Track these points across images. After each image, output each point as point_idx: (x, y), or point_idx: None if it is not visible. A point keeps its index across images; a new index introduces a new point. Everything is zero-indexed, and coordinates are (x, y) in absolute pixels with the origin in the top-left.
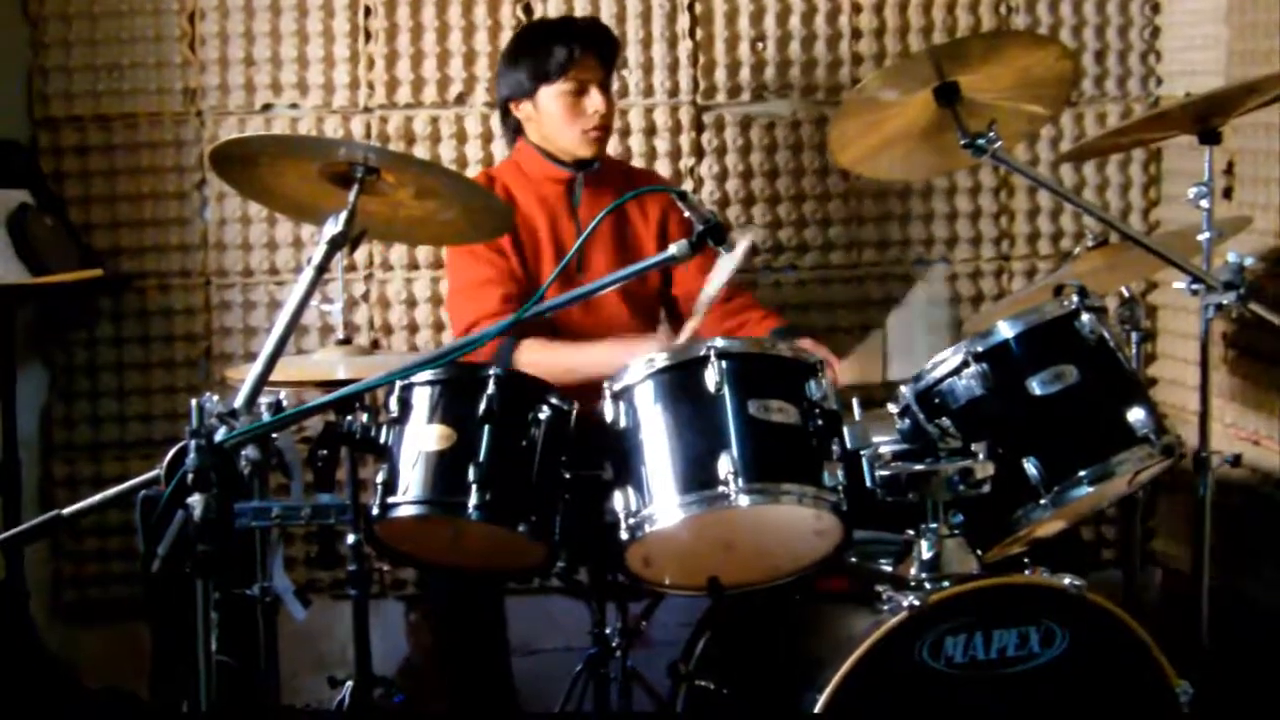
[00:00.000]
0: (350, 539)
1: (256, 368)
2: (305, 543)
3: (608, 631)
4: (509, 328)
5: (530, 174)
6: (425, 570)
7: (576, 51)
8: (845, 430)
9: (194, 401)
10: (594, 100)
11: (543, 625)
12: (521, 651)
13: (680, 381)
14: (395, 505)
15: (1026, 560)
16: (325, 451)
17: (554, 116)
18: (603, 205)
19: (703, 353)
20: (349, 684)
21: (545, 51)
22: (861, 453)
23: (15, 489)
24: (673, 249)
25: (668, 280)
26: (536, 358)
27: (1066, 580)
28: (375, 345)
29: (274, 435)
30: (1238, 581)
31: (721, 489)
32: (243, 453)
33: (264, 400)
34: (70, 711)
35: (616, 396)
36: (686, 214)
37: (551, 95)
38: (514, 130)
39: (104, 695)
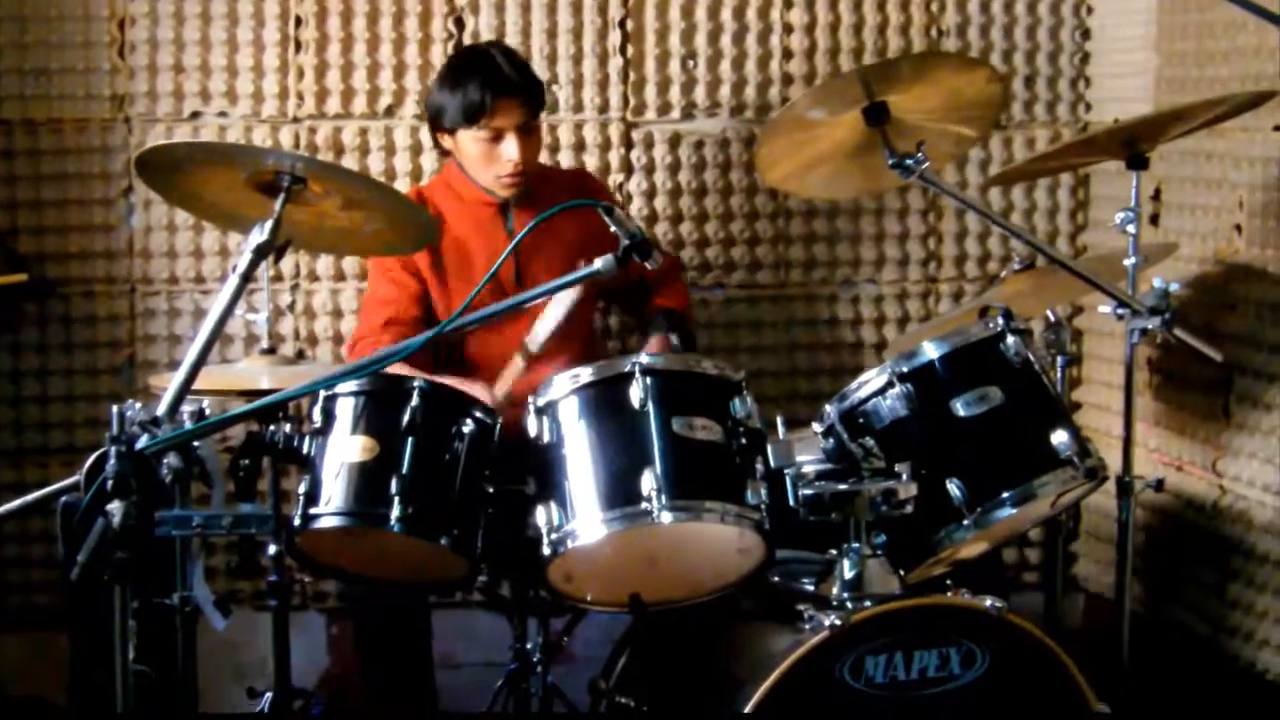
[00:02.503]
0: (271, 549)
1: (180, 375)
2: (226, 553)
3: (529, 647)
4: (424, 344)
5: (462, 196)
6: (347, 581)
7: (491, 99)
8: (769, 449)
9: (115, 408)
10: (509, 148)
11: (464, 639)
12: (443, 665)
13: (605, 397)
14: (317, 516)
15: (948, 581)
16: (247, 461)
17: (471, 158)
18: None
19: (628, 369)
20: (268, 695)
21: (467, 94)
22: (785, 471)
23: None
24: (598, 263)
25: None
26: None
27: (988, 602)
28: (300, 356)
29: (196, 444)
30: (1160, 606)
31: (644, 506)
32: (164, 461)
33: (187, 408)
34: None
35: (541, 411)
36: (613, 229)
37: (469, 138)
38: (444, 150)
39: (22, 703)
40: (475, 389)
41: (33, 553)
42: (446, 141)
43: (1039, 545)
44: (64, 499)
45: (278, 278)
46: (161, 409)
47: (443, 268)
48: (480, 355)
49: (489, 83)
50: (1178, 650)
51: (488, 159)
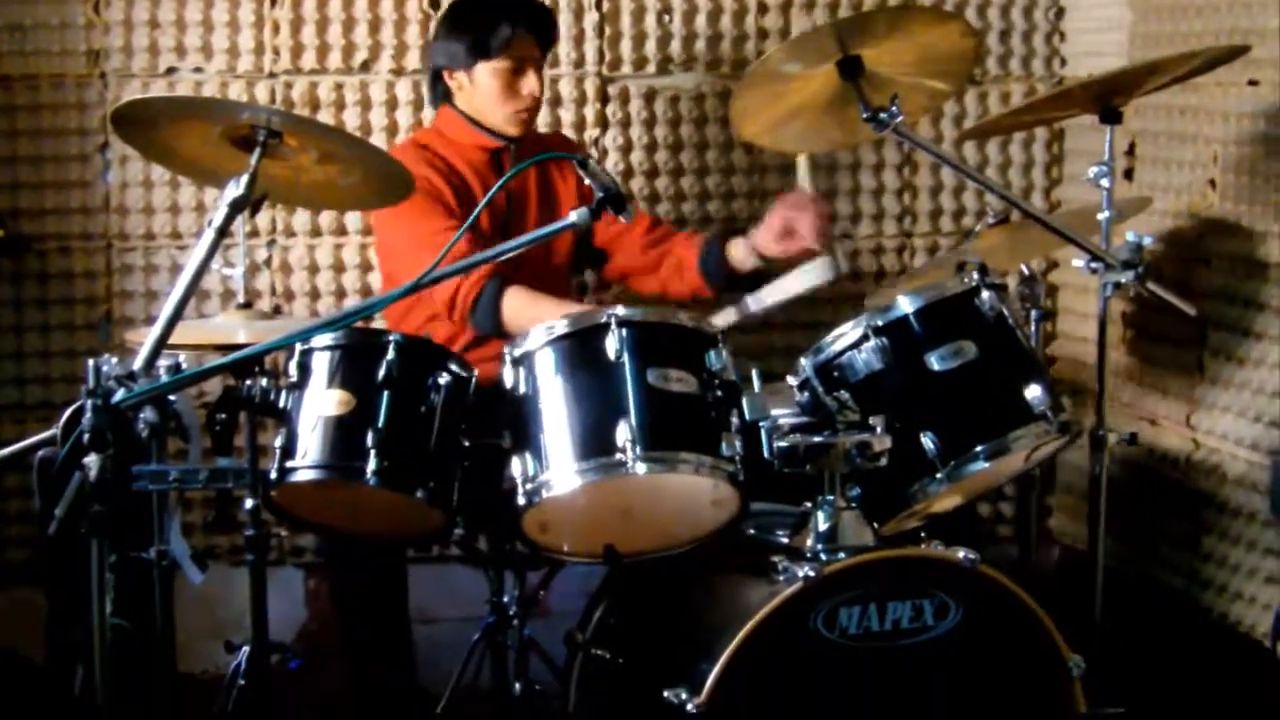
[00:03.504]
0: (248, 504)
1: (155, 330)
2: (203, 508)
3: (505, 600)
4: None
5: (457, 141)
6: (323, 535)
7: (520, 30)
8: (744, 401)
9: (91, 362)
10: (529, 82)
11: (441, 594)
12: (419, 620)
13: (580, 349)
14: (293, 469)
15: (922, 534)
16: (224, 415)
17: (488, 93)
18: (527, 175)
19: (603, 320)
20: (245, 649)
21: (488, 27)
22: (760, 424)
23: None
24: (572, 216)
25: (584, 242)
26: (520, 304)
27: (961, 554)
28: (277, 311)
29: (172, 398)
30: (1134, 560)
31: (619, 456)
32: (140, 415)
33: (163, 363)
34: None
35: (516, 363)
36: (587, 181)
37: (488, 71)
38: (442, 96)
39: None
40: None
41: (9, 508)
42: (456, 79)
43: (1013, 499)
44: (40, 453)
45: (254, 233)
46: (138, 363)
47: (461, 203)
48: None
49: (512, 14)
50: (1151, 604)
51: (507, 92)
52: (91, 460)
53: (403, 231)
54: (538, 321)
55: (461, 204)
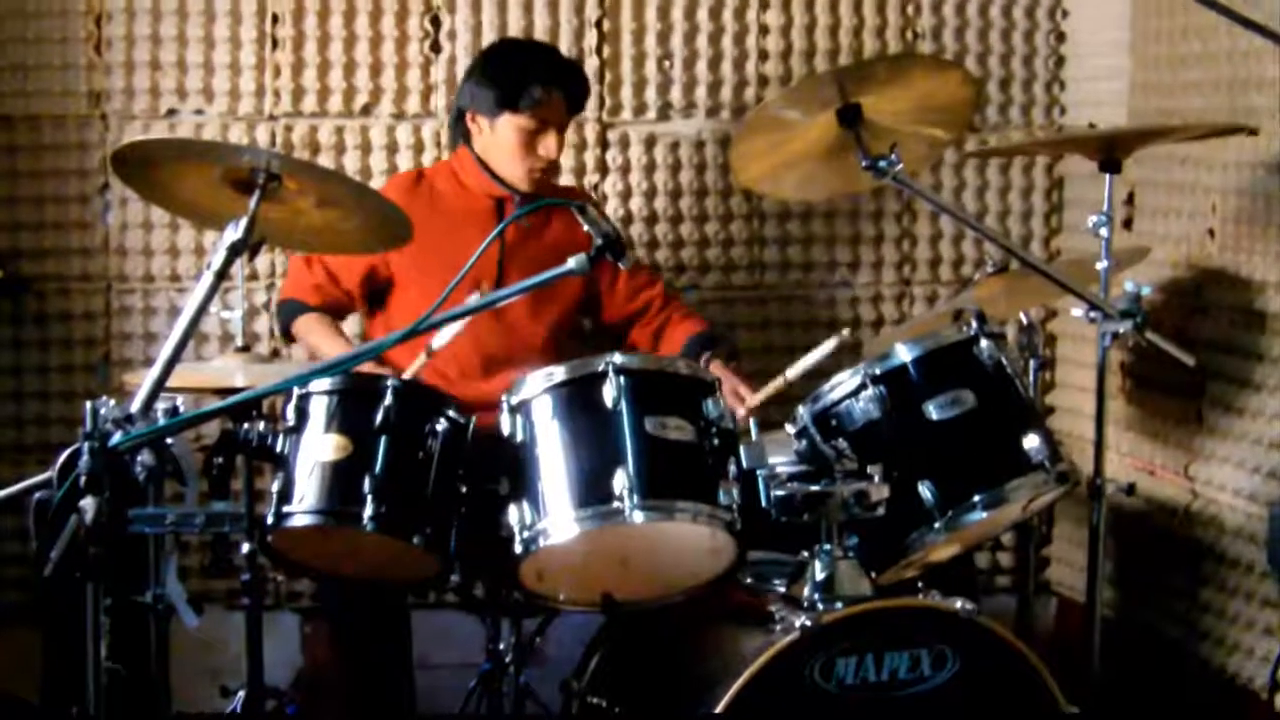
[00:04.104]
0: (245, 548)
1: (153, 372)
2: (200, 552)
3: (501, 647)
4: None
5: (466, 184)
6: (320, 579)
7: (553, 92)
8: (741, 450)
9: (89, 404)
10: (549, 143)
11: (438, 640)
12: (417, 665)
13: (578, 396)
14: (290, 514)
15: (920, 584)
16: (221, 459)
17: (506, 145)
18: (530, 228)
19: (601, 368)
20: (241, 694)
21: (521, 82)
22: (757, 472)
23: None
24: (571, 263)
25: (591, 307)
26: (303, 331)
27: (959, 604)
28: (275, 354)
29: (170, 441)
30: (1132, 610)
31: (616, 505)
32: (138, 458)
33: (161, 406)
34: None
35: (514, 410)
36: (586, 228)
37: (511, 125)
38: (460, 137)
39: None
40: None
41: (5, 550)
42: (478, 124)
43: (1011, 549)
44: (37, 495)
45: (253, 276)
46: (135, 406)
47: (426, 256)
48: (446, 356)
49: (547, 74)
50: (1149, 655)
51: (525, 149)
52: (88, 503)
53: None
54: (313, 349)
55: (438, 249)
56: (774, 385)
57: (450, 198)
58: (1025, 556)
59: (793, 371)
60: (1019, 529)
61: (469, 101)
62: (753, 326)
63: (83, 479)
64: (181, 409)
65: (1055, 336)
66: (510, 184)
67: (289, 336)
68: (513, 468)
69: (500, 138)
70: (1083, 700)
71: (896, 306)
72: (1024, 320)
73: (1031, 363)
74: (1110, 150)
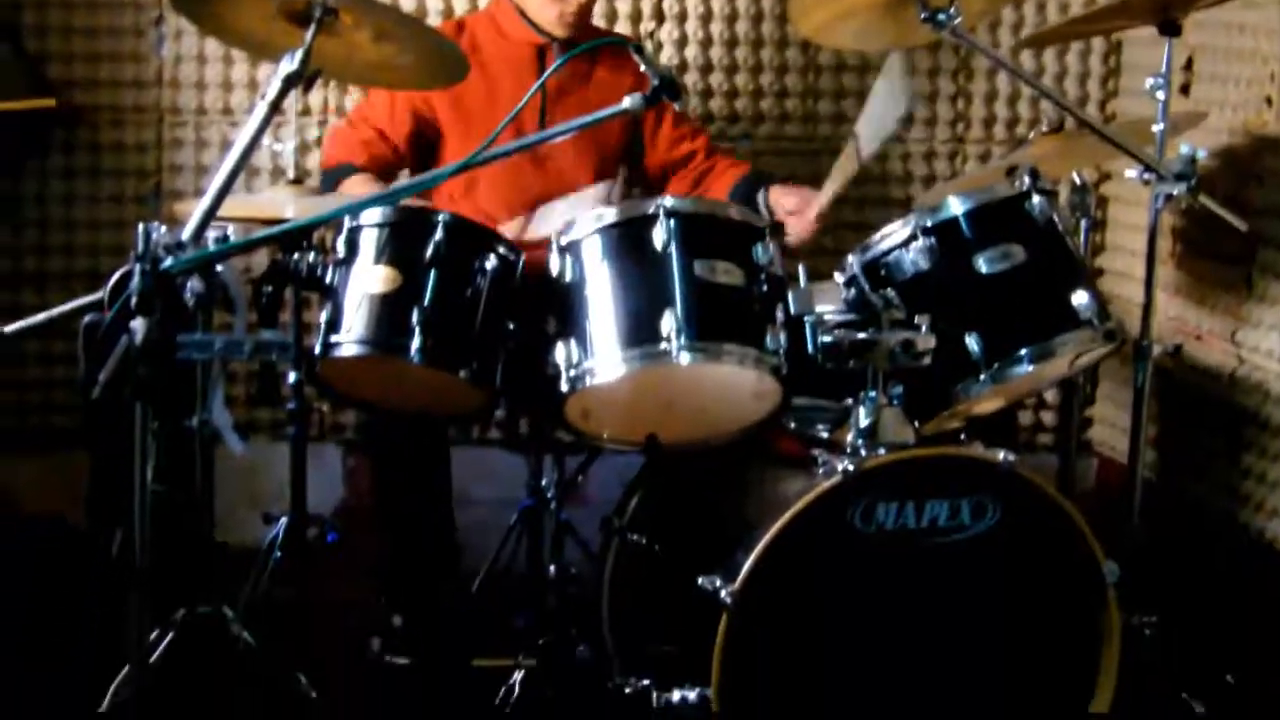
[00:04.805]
0: (291, 378)
1: (205, 201)
2: (246, 383)
3: (543, 484)
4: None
5: (506, 32)
6: (365, 410)
7: None
8: (790, 295)
9: (141, 226)
10: None
11: (480, 477)
12: (459, 501)
13: (627, 238)
14: (338, 345)
15: (963, 436)
16: (270, 288)
17: None
18: (572, 75)
19: (651, 210)
20: (283, 520)
21: None
22: (805, 319)
23: None
24: (626, 102)
25: (635, 149)
26: (352, 190)
27: (1001, 455)
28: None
29: (219, 268)
30: (1173, 474)
31: (663, 345)
32: (188, 284)
33: (211, 234)
34: (5, 533)
35: (563, 250)
36: (643, 68)
37: None
38: None
39: (41, 522)
40: None
41: (53, 375)
42: None
43: (1054, 408)
44: (86, 319)
45: (305, 111)
46: (186, 233)
47: (466, 106)
48: (491, 201)
49: None
50: (1188, 518)
51: None
52: (138, 324)
53: (370, 96)
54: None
55: (479, 96)
56: (846, 153)
57: (491, 47)
58: (1068, 415)
59: (864, 141)
60: (1063, 387)
61: None
62: (805, 179)
63: (134, 300)
64: (232, 238)
65: (1107, 200)
66: (547, 30)
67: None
68: (561, 307)
69: None
70: (1121, 558)
71: (949, 163)
72: (1077, 181)
73: (1083, 223)
74: (1167, 10)
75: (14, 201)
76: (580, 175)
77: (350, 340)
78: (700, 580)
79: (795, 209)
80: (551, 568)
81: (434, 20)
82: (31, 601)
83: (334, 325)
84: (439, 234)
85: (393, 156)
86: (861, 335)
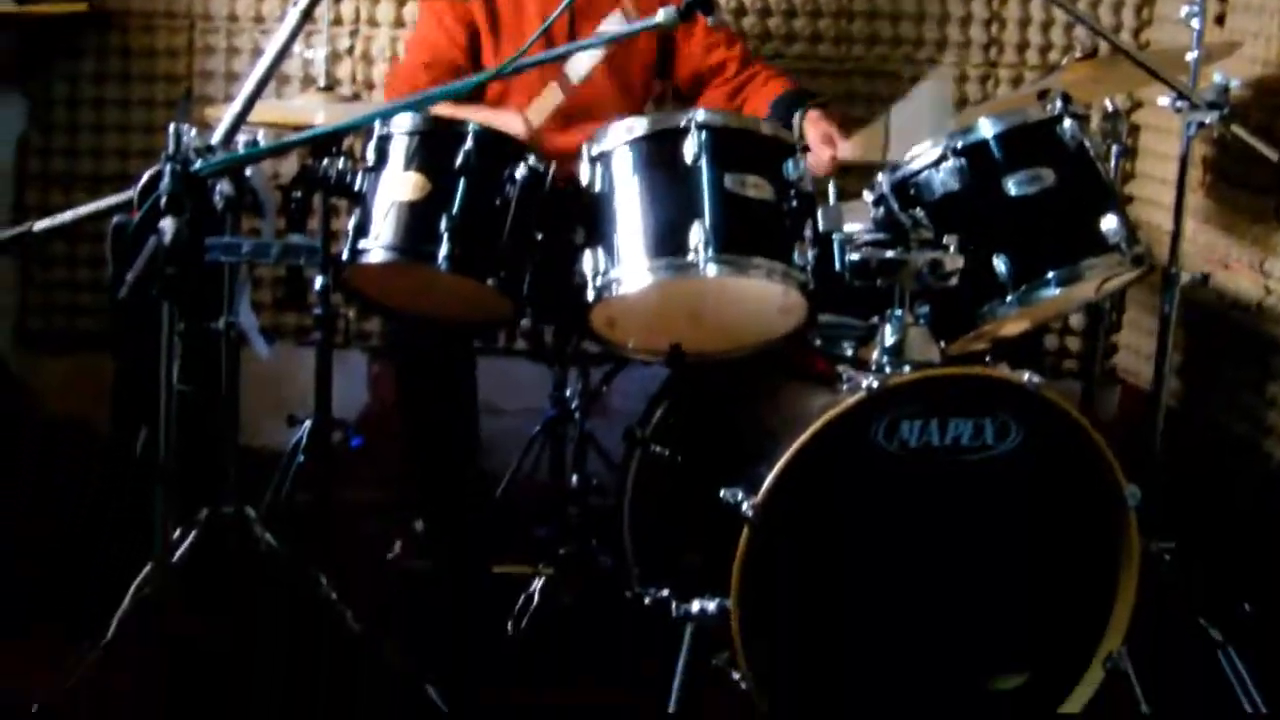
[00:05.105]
0: (318, 283)
1: (235, 105)
2: (273, 288)
3: (567, 394)
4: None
5: None
6: (392, 317)
7: None
8: (819, 212)
9: (172, 127)
10: None
11: (504, 387)
12: (483, 410)
13: (658, 150)
14: (366, 250)
15: (988, 357)
16: (299, 193)
17: None
18: None
19: (682, 123)
20: (307, 424)
21: None
22: (833, 236)
23: None
24: (660, 15)
25: (665, 64)
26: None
27: (1025, 376)
28: (356, 98)
29: (249, 173)
30: (1198, 402)
31: (691, 257)
32: (217, 187)
33: (241, 139)
34: (30, 433)
35: (594, 161)
36: None
37: None
38: None
39: (65, 423)
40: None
41: (79, 277)
42: None
43: (1080, 334)
44: (114, 220)
45: (337, 21)
46: (216, 137)
47: (498, 18)
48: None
49: None
50: (1212, 447)
51: None
52: (167, 224)
53: (417, 25)
54: None
55: (508, 8)
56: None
57: None
58: (1094, 341)
59: (894, 139)
60: (1089, 312)
61: None
62: (837, 100)
63: (163, 199)
64: (262, 143)
65: (1138, 127)
66: None
67: None
68: (589, 217)
69: None
70: (1143, 483)
71: (981, 87)
72: (1109, 107)
73: (1113, 150)
74: None
75: (45, 104)
76: (611, 87)
77: (378, 246)
78: (722, 493)
79: (820, 143)
80: (574, 478)
81: None
82: (56, 501)
83: (362, 231)
84: (469, 143)
85: (454, 65)
86: (889, 254)
